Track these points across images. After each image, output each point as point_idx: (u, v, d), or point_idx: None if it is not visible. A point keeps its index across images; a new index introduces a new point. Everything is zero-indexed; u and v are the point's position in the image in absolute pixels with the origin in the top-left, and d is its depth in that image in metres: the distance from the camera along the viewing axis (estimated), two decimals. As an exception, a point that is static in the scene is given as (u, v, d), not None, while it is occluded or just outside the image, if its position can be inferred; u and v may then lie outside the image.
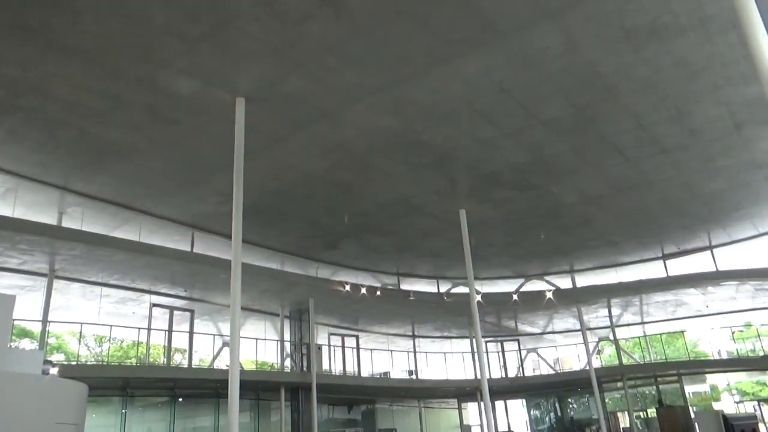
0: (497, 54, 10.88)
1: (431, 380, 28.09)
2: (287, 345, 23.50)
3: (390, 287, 24.87)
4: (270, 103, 11.96)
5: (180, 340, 23.76)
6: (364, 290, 21.96)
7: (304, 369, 21.94)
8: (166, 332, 20.83)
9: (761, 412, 29.73)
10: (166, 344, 21.06)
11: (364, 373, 27.40)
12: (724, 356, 30.25)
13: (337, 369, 26.92)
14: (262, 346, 24.80)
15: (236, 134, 11.59)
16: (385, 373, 31.11)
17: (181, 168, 14.67)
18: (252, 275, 18.56)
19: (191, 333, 21.99)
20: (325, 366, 26.53)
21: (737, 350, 29.87)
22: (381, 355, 30.02)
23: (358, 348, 26.79)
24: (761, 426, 26.74)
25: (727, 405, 34.76)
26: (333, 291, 21.85)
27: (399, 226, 19.46)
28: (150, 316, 20.27)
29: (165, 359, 21.44)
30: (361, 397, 28.11)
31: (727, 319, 28.92)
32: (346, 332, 26.74)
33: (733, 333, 29.34)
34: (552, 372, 31.03)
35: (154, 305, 20.59)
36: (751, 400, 35.31)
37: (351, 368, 27.02)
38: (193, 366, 22.66)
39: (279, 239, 20.26)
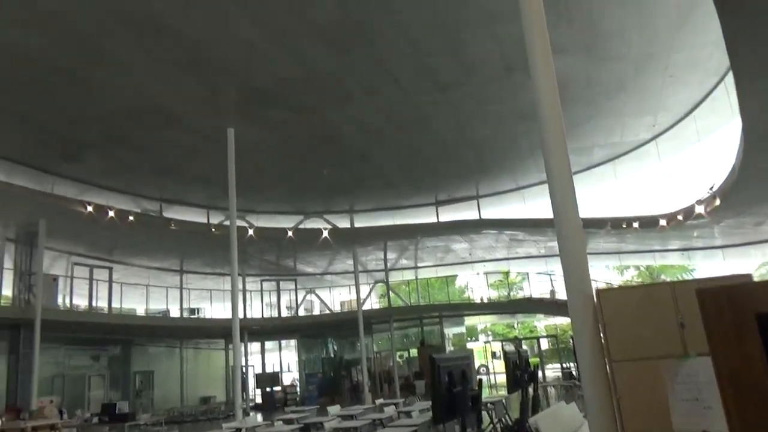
0: None
1: (187, 318, 25.99)
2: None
3: (152, 214, 21.87)
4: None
5: None
6: (112, 213, 18.73)
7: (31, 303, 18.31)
8: None
9: (502, 351, 33.18)
10: None
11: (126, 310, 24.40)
12: (485, 301, 33.08)
13: (83, 304, 23.42)
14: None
15: None
16: (165, 312, 28.26)
17: None
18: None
19: None
20: (70, 301, 22.85)
21: (490, 296, 32.76)
22: (155, 292, 26.99)
23: (110, 281, 23.42)
24: (482, 366, 29.84)
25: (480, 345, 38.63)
26: (72, 212, 18.27)
27: (155, 140, 16.64)
28: None
29: None
30: (112, 336, 24.95)
31: (488, 266, 31.47)
32: (96, 263, 23.14)
33: (488, 279, 32.10)
34: (326, 312, 31.00)
35: None
36: (502, 339, 39.71)
37: (118, 305, 23.81)
38: None
39: (-5, 141, 16.08)
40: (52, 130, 15.67)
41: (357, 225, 24.82)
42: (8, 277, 19.71)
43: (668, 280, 37.56)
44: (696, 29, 12.21)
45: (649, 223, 19.82)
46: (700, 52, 13.26)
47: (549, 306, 26.32)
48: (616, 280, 36.75)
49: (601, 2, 11.31)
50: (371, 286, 31.81)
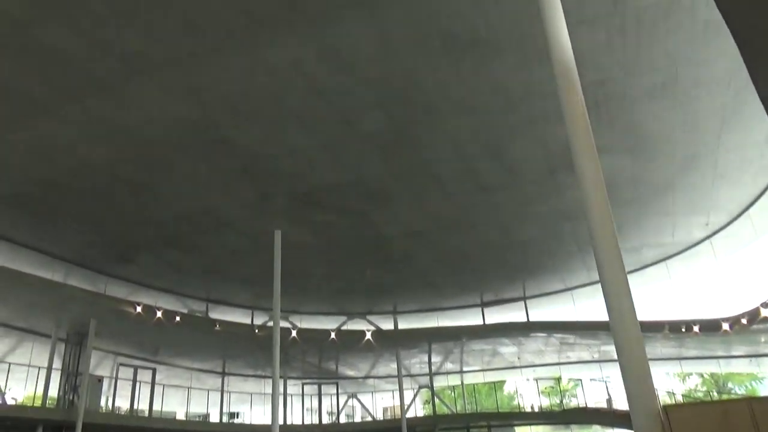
0: (307, 43, 9.54)
1: (226, 424, 25.31)
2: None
3: (198, 314, 22.10)
4: (23, 53, 9.46)
5: None
6: (159, 314, 19.00)
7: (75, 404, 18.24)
8: None
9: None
10: None
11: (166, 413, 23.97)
12: (536, 409, 31.10)
13: (125, 406, 23.20)
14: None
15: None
16: (205, 416, 27.77)
17: None
18: (8, 281, 15.04)
19: None
20: (113, 403, 22.71)
21: (541, 404, 30.84)
22: (196, 395, 26.66)
23: (153, 383, 23.26)
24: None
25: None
26: (121, 312, 18.63)
27: (205, 243, 17.16)
28: None
29: None
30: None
31: (538, 371, 29.92)
32: (140, 363, 23.17)
33: (539, 386, 30.40)
34: (369, 419, 29.70)
35: None
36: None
37: (158, 407, 23.50)
38: None
39: (56, 243, 16.90)
40: (109, 232, 16.43)
41: (401, 326, 24.34)
42: (55, 377, 19.94)
43: (736, 388, 34.79)
44: (744, 128, 12.15)
45: (710, 326, 18.68)
46: (751, 151, 13.09)
47: (606, 416, 24.47)
48: (678, 389, 34.22)
49: (643, 104, 11.45)
50: (415, 391, 30.54)
